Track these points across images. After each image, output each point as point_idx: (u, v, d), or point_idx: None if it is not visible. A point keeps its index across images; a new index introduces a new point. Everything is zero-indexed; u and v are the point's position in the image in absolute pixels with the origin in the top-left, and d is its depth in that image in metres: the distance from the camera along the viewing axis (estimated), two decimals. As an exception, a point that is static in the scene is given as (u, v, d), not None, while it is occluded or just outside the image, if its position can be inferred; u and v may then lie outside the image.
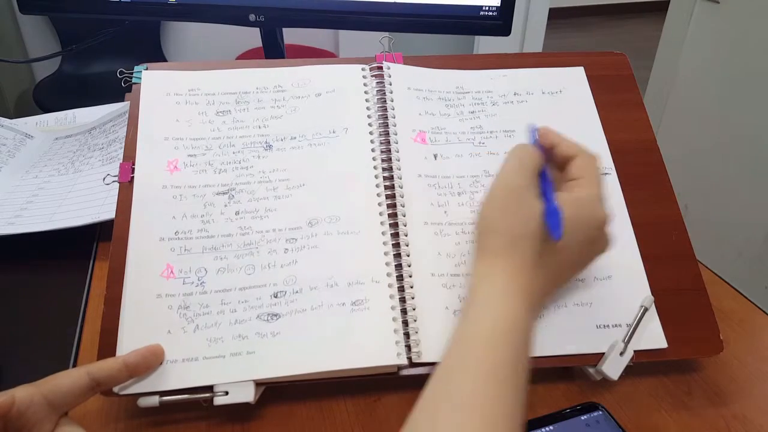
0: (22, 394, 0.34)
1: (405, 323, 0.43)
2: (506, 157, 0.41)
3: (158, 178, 0.48)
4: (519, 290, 0.37)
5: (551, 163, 0.42)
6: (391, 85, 0.53)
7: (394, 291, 0.44)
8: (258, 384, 0.41)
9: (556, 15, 2.73)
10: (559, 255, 0.38)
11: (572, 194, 0.39)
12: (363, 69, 0.55)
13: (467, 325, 0.36)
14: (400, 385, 0.44)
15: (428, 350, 0.42)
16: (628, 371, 0.43)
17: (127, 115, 0.51)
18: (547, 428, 0.41)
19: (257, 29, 0.74)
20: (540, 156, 0.41)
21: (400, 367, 0.42)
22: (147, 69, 0.53)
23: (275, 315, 0.43)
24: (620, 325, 0.45)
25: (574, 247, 0.39)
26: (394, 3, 0.66)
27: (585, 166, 0.41)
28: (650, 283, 0.47)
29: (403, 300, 0.44)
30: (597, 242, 0.40)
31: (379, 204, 0.48)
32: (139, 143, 0.49)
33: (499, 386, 0.33)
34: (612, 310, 0.45)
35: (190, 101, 0.52)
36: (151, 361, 0.40)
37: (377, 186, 0.48)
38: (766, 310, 0.53)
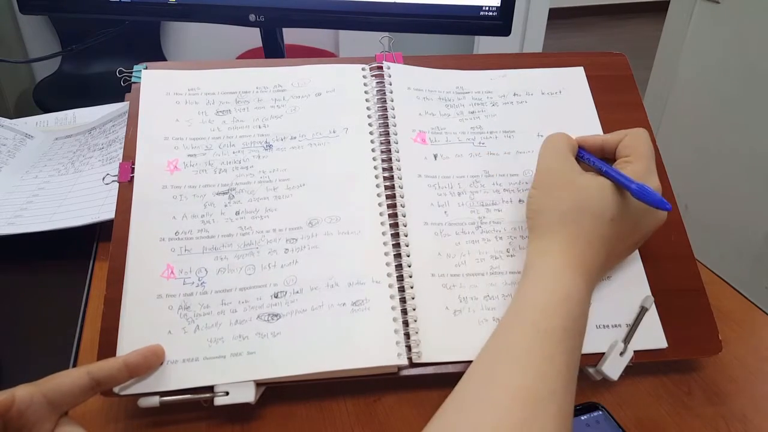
0: (22, 393, 0.34)
1: (405, 323, 0.43)
2: (540, 147, 0.45)
3: (158, 178, 0.48)
4: (573, 262, 0.39)
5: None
6: (391, 85, 0.53)
7: (395, 291, 0.44)
8: (258, 384, 0.41)
9: (556, 15, 2.73)
10: (614, 227, 0.40)
11: (625, 170, 0.42)
12: (363, 69, 0.55)
13: (523, 294, 0.39)
14: (400, 385, 0.44)
15: (428, 350, 0.42)
16: (628, 371, 0.43)
17: (127, 115, 0.51)
18: (547, 428, 0.41)
19: (257, 29, 0.74)
20: (570, 138, 0.45)
21: (400, 368, 0.42)
22: (147, 68, 0.53)
23: (276, 315, 0.43)
24: (620, 325, 0.45)
25: (630, 219, 0.41)
26: (394, 3, 0.66)
27: (631, 143, 0.44)
28: (650, 283, 0.47)
29: (403, 300, 0.44)
30: (651, 213, 0.42)
31: (380, 204, 0.48)
32: (138, 143, 0.49)
33: (554, 346, 0.35)
34: (612, 310, 0.45)
35: (190, 101, 0.52)
36: (151, 361, 0.40)
37: (377, 186, 0.48)
38: (766, 310, 0.53)
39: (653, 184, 0.41)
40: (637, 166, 0.42)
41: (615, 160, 0.45)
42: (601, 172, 0.43)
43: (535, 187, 0.43)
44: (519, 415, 0.33)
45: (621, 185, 0.41)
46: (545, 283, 0.39)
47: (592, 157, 0.45)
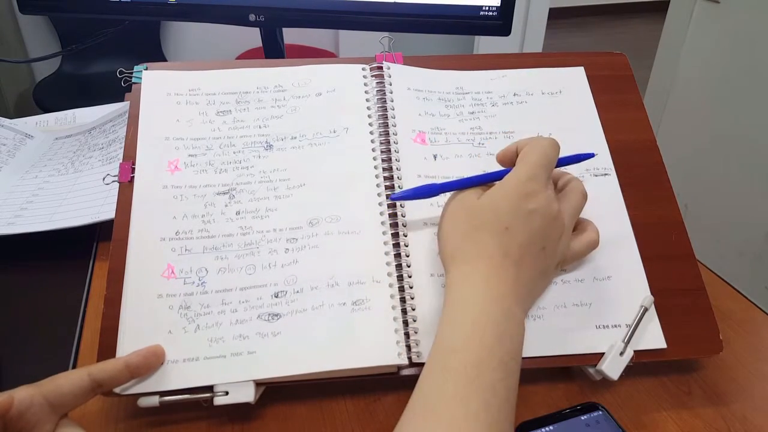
0: (22, 394, 0.34)
1: (405, 323, 0.43)
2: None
3: (159, 178, 0.48)
4: (476, 285, 0.38)
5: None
6: (391, 85, 0.53)
7: (395, 291, 0.44)
8: (258, 384, 0.41)
9: (556, 15, 2.74)
10: (515, 236, 0.39)
11: (504, 178, 0.41)
12: (363, 69, 0.55)
13: (436, 335, 0.37)
14: (400, 385, 0.44)
15: (428, 350, 0.42)
16: (628, 371, 0.43)
17: (127, 115, 0.51)
18: (547, 428, 0.41)
19: (257, 29, 0.74)
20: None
21: (400, 367, 0.42)
22: (147, 69, 0.53)
23: (276, 315, 0.43)
24: (620, 325, 0.45)
25: (525, 228, 0.39)
26: (394, 3, 0.66)
27: (524, 150, 0.42)
28: (650, 283, 0.47)
29: (403, 300, 0.44)
30: (552, 221, 0.40)
31: (380, 204, 0.48)
32: (139, 143, 0.49)
33: (467, 387, 0.33)
34: (612, 310, 0.45)
35: (191, 101, 0.52)
36: (152, 361, 0.40)
37: (377, 186, 0.48)
38: (766, 310, 0.53)
39: (527, 188, 0.39)
40: (516, 170, 0.40)
41: None
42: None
43: (441, 218, 0.43)
44: None
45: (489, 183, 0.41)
46: (451, 318, 0.37)
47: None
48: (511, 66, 0.57)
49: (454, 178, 0.43)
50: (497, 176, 0.42)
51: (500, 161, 0.44)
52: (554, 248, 0.41)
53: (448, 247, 0.41)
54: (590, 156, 0.46)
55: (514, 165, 0.42)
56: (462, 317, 0.37)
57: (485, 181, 0.42)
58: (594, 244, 0.44)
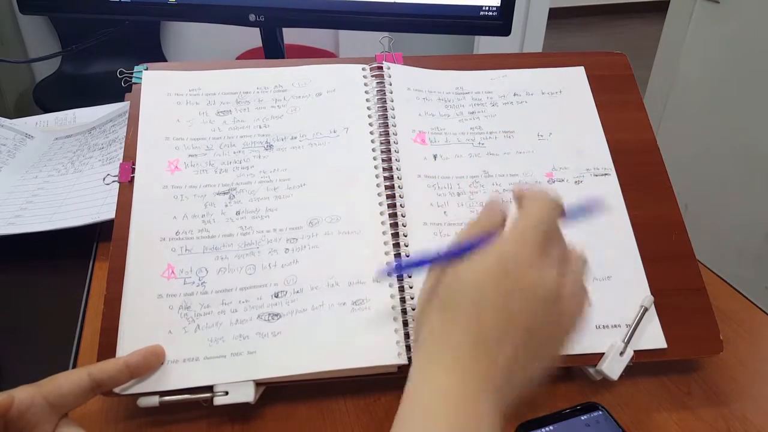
0: (23, 394, 0.34)
1: (405, 323, 0.43)
2: None
3: (159, 178, 0.48)
4: (447, 384, 0.32)
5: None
6: (391, 85, 0.53)
7: (395, 291, 0.44)
8: (258, 384, 0.41)
9: (556, 15, 2.73)
10: (483, 316, 0.32)
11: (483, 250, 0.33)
12: (363, 69, 0.55)
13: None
14: (400, 385, 0.44)
15: (428, 350, 0.42)
16: (628, 371, 0.43)
17: (127, 115, 0.51)
18: (547, 428, 0.41)
19: (257, 29, 0.74)
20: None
21: (400, 367, 0.42)
22: (147, 69, 0.53)
23: (276, 315, 0.43)
24: (620, 325, 0.45)
25: (489, 309, 0.32)
26: (394, 3, 0.66)
27: (515, 218, 0.35)
28: (650, 283, 0.47)
29: (403, 300, 0.44)
30: (513, 296, 0.32)
31: (380, 204, 0.48)
32: (139, 143, 0.49)
33: None
34: (612, 310, 0.45)
35: (191, 101, 0.52)
36: (152, 361, 0.40)
37: (377, 186, 0.48)
38: (766, 310, 0.53)
39: (507, 261, 0.32)
40: (503, 237, 0.34)
41: None
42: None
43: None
44: None
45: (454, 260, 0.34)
46: (423, 396, 0.32)
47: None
48: (511, 66, 0.57)
49: (452, 244, 0.35)
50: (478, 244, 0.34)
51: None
52: (550, 333, 0.33)
53: (421, 317, 0.35)
54: (597, 205, 0.37)
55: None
56: (425, 396, 0.32)
57: (480, 246, 0.34)
58: (583, 305, 0.36)
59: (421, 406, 0.32)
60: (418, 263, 0.36)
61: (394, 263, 0.39)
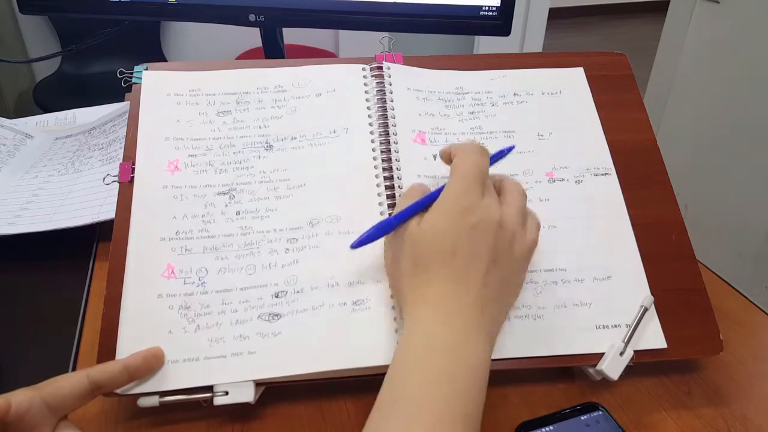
0: (21, 397, 0.34)
1: (405, 323, 0.43)
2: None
3: (159, 178, 0.48)
4: (430, 315, 0.36)
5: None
6: (391, 85, 0.53)
7: (395, 291, 0.44)
8: (258, 384, 0.41)
9: (556, 15, 2.74)
10: (452, 263, 0.37)
11: (443, 193, 0.39)
12: (363, 69, 0.55)
13: (392, 362, 0.36)
14: (400, 385, 0.44)
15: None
16: (628, 371, 0.43)
17: (127, 115, 0.51)
18: (547, 428, 0.41)
19: (257, 29, 0.74)
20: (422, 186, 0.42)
21: (400, 367, 0.42)
22: (147, 69, 0.53)
23: (276, 315, 0.43)
24: (620, 325, 0.45)
25: (463, 248, 0.37)
26: (394, 3, 0.66)
27: (454, 165, 0.40)
28: (650, 283, 0.47)
29: (403, 300, 0.44)
30: (476, 231, 0.37)
31: (380, 204, 0.48)
32: (139, 143, 0.49)
33: (418, 419, 0.32)
34: (612, 310, 0.45)
35: (191, 101, 0.52)
36: (152, 363, 0.40)
37: (378, 186, 0.48)
38: (766, 310, 0.53)
39: (464, 202, 0.37)
40: (451, 187, 0.39)
41: None
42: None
43: (384, 252, 0.42)
44: None
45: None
46: (403, 346, 0.36)
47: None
48: (511, 66, 0.57)
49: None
50: (437, 195, 0.39)
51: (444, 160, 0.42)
52: (508, 256, 0.38)
53: (396, 283, 0.40)
54: (511, 148, 0.45)
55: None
56: (413, 343, 0.36)
57: (428, 204, 0.39)
58: (538, 225, 0.41)
59: (412, 332, 0.36)
60: (377, 232, 0.40)
61: (355, 241, 0.40)
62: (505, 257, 0.38)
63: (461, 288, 0.36)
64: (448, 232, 0.37)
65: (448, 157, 0.41)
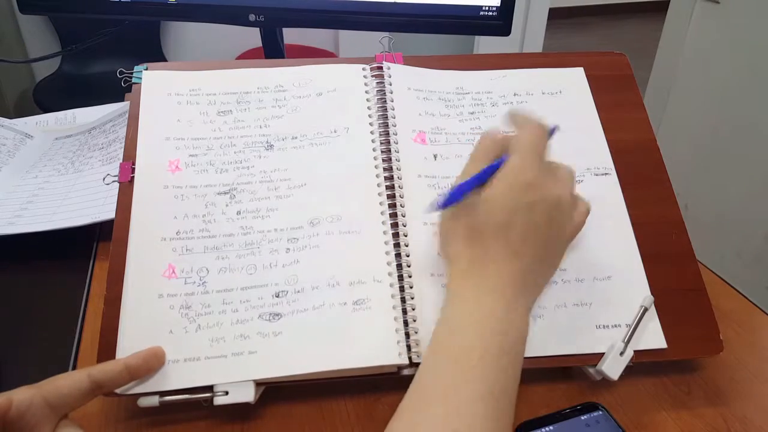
0: (22, 395, 0.34)
1: (405, 323, 0.43)
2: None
3: (159, 177, 0.48)
4: (482, 283, 0.38)
5: None
6: (391, 85, 0.53)
7: (396, 291, 0.44)
8: (258, 384, 0.41)
9: (556, 15, 2.74)
10: (511, 232, 0.38)
11: (503, 168, 0.39)
12: (363, 69, 0.55)
13: (437, 328, 0.38)
14: (400, 385, 0.44)
15: (429, 350, 0.42)
16: (628, 371, 0.43)
17: (127, 115, 0.51)
18: (547, 428, 0.41)
19: (257, 29, 0.74)
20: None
21: (400, 367, 0.42)
22: (147, 69, 0.53)
23: (277, 315, 0.43)
24: (620, 325, 0.45)
25: (519, 223, 0.38)
26: (394, 3, 0.66)
27: (515, 141, 0.40)
28: (650, 283, 0.47)
29: (403, 300, 0.44)
30: (535, 208, 0.38)
31: (380, 204, 0.48)
32: (139, 143, 0.49)
33: (474, 379, 0.34)
34: (612, 310, 0.45)
35: (191, 101, 0.52)
36: (152, 363, 0.40)
37: (378, 186, 0.48)
38: (766, 310, 0.53)
39: (525, 176, 0.38)
40: (511, 161, 0.39)
41: None
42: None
43: (441, 217, 0.42)
44: None
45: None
46: (452, 310, 0.38)
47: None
48: (511, 66, 0.57)
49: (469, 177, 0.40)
50: (497, 167, 0.40)
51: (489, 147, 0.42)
52: (557, 236, 0.40)
53: (450, 248, 0.41)
54: (555, 128, 0.43)
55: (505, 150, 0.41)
56: (461, 311, 0.37)
57: (490, 174, 0.40)
58: (587, 210, 0.42)
59: (462, 299, 0.38)
60: (457, 195, 0.40)
61: (441, 200, 0.40)
62: (554, 237, 0.40)
63: (512, 262, 0.38)
64: (507, 206, 0.38)
65: (513, 120, 0.42)
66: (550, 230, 0.39)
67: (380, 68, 0.54)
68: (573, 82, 0.56)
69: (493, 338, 0.35)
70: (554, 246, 0.40)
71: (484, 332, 0.36)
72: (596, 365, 0.43)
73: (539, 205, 0.38)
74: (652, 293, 0.46)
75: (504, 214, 0.38)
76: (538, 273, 0.40)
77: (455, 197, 0.40)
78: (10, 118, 0.81)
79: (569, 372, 0.46)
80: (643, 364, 0.44)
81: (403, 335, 0.43)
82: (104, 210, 0.59)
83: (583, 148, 0.52)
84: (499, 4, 0.65)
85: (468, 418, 0.32)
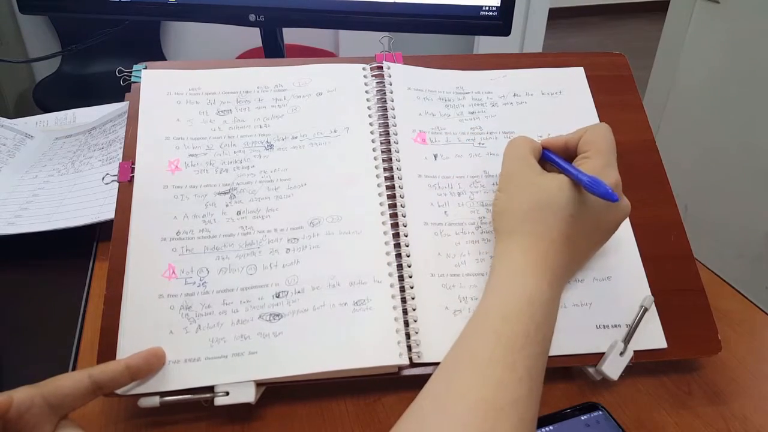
0: (22, 395, 0.34)
1: (406, 323, 0.43)
2: (504, 151, 0.45)
3: (159, 177, 0.48)
4: (535, 263, 0.39)
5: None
6: (391, 85, 0.53)
7: (396, 291, 0.44)
8: (258, 384, 0.41)
9: (556, 15, 2.73)
10: (576, 224, 0.40)
11: (583, 166, 0.42)
12: (363, 69, 0.55)
13: (485, 299, 0.39)
14: (400, 385, 0.44)
15: (428, 350, 0.42)
16: (628, 371, 0.43)
17: (126, 114, 0.51)
18: (547, 428, 0.41)
19: (257, 29, 0.74)
20: (532, 141, 0.45)
21: (401, 368, 0.42)
22: (146, 68, 0.53)
23: (277, 315, 0.43)
24: (620, 325, 0.45)
25: (590, 215, 0.41)
26: (394, 3, 0.66)
27: (590, 139, 0.43)
28: (650, 283, 0.47)
29: (403, 300, 0.44)
30: (611, 208, 0.42)
31: (380, 204, 0.48)
32: (139, 143, 0.49)
33: (515, 353, 0.35)
34: (612, 310, 0.45)
35: (191, 100, 0.52)
36: (153, 363, 0.40)
37: (378, 186, 0.48)
38: (766, 310, 0.53)
39: (610, 177, 0.41)
40: (594, 161, 0.42)
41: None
42: (560, 171, 0.43)
43: (500, 189, 0.44)
44: (478, 426, 0.32)
45: (576, 180, 0.41)
46: (507, 288, 0.39)
47: (554, 156, 0.45)
48: (511, 66, 0.57)
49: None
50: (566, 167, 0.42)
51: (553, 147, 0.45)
52: (609, 232, 0.43)
53: (510, 219, 0.42)
54: (611, 199, 0.43)
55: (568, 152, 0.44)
56: (516, 290, 0.38)
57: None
58: (628, 210, 0.44)
59: (518, 275, 0.39)
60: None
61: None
62: (607, 233, 0.44)
63: (569, 246, 0.40)
64: (577, 199, 0.40)
65: (575, 142, 0.44)
66: (603, 226, 0.43)
67: (380, 68, 0.54)
68: (573, 82, 0.56)
69: (540, 325, 0.37)
70: (602, 242, 0.44)
71: (534, 316, 0.37)
72: (596, 365, 0.43)
73: (613, 207, 0.42)
74: (651, 293, 0.46)
75: (572, 205, 0.40)
76: (580, 265, 0.44)
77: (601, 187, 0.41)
78: (10, 118, 0.81)
79: (569, 372, 0.46)
80: (643, 364, 0.44)
81: (404, 335, 0.43)
82: (104, 210, 0.59)
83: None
84: (499, 4, 0.65)
85: (509, 394, 0.34)
